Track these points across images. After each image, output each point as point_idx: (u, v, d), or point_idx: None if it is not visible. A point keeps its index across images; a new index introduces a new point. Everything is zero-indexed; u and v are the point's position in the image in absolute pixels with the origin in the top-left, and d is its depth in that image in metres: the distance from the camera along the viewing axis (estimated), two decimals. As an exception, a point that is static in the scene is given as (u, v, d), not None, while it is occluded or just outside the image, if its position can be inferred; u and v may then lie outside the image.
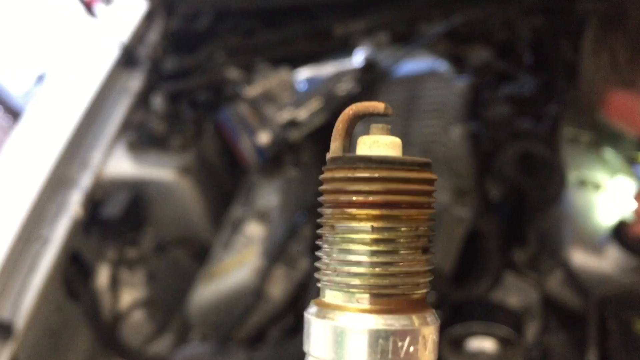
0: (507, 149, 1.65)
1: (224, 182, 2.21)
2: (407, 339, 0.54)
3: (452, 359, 1.45)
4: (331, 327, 0.55)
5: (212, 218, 2.14)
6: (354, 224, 0.56)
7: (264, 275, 1.68)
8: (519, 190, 1.69)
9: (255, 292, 1.68)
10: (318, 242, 0.60)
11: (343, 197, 0.57)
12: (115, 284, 2.03)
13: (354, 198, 0.56)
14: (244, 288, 1.71)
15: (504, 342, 1.42)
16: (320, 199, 0.60)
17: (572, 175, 1.69)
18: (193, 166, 2.10)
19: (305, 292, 1.66)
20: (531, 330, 1.53)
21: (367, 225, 0.56)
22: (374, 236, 0.55)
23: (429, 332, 0.55)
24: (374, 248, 0.55)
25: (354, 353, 0.53)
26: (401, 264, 0.56)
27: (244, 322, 1.73)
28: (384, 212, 0.56)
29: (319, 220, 0.59)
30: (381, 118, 0.62)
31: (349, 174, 0.57)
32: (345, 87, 1.92)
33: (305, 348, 0.57)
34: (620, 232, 1.48)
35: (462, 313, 1.45)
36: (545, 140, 1.75)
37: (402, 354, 0.53)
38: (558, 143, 1.78)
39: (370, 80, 1.92)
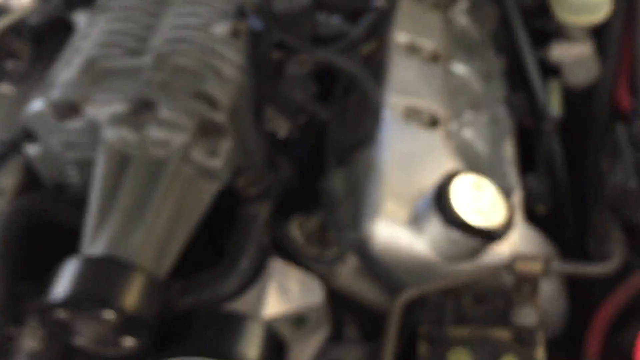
0: (295, 60, 1.06)
1: None
2: None
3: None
4: None
5: None
6: None
7: None
8: (315, 125, 1.12)
9: None
10: None
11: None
12: None
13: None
14: None
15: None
16: None
17: (394, 100, 1.12)
18: None
19: None
20: (312, 346, 0.99)
21: None
22: None
23: None
24: None
25: None
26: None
27: None
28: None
29: None
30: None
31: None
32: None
33: None
34: (443, 195, 0.94)
35: (184, 335, 0.88)
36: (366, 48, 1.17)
37: None
38: (386, 51, 1.20)
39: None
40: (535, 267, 0.92)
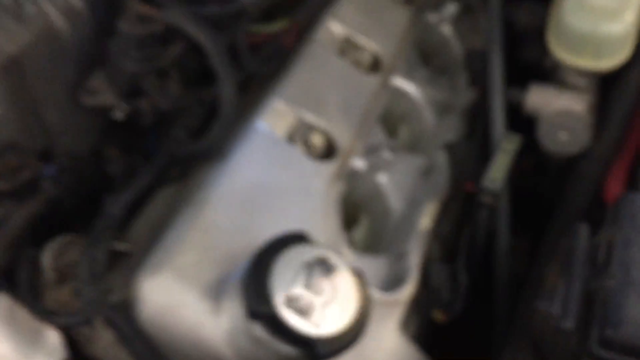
0: (131, 13, 0.73)
1: None
2: None
3: None
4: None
5: None
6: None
7: None
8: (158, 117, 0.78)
9: None
10: None
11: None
12: None
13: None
14: None
15: None
16: None
17: (279, 107, 0.78)
18: None
19: None
20: None
21: None
22: None
23: None
24: None
25: None
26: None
27: None
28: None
29: None
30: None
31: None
32: None
33: None
34: (260, 269, 0.60)
35: None
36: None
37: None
38: (306, 40, 0.86)
39: None
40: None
